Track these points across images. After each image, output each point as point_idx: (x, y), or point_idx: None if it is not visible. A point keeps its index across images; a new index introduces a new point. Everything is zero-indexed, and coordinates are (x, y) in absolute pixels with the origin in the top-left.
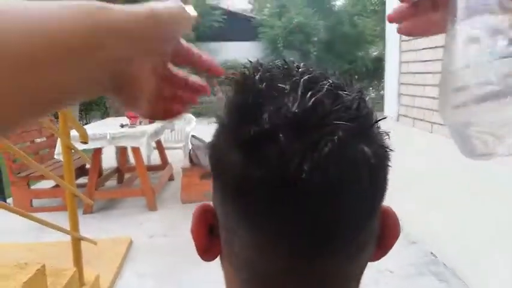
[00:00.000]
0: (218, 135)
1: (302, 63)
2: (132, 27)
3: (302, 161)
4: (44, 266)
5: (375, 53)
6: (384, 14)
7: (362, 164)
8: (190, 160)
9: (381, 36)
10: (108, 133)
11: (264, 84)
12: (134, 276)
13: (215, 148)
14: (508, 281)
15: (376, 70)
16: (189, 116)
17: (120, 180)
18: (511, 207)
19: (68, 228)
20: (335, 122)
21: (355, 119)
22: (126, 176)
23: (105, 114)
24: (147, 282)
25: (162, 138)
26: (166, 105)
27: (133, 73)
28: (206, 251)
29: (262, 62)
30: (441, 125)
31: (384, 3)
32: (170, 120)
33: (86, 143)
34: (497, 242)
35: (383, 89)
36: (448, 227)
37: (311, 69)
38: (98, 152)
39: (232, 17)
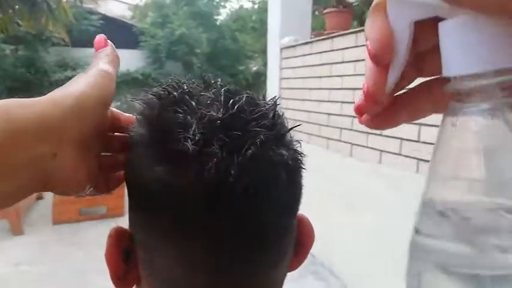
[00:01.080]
0: (136, 152)
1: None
2: (54, 121)
3: (229, 165)
4: None
5: (254, 68)
6: (262, 32)
7: (281, 166)
8: None
9: (260, 52)
10: None
11: (186, 96)
12: None
13: (133, 165)
14: (381, 279)
15: (255, 84)
16: None
17: None
18: (382, 216)
19: None
20: (256, 128)
21: (273, 125)
22: None
23: None
24: None
25: None
26: (108, 175)
27: (61, 166)
28: (121, 279)
29: (177, 78)
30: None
31: (263, 22)
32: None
33: None
34: (370, 244)
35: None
36: (327, 231)
37: (225, 84)
38: None
39: (111, 23)
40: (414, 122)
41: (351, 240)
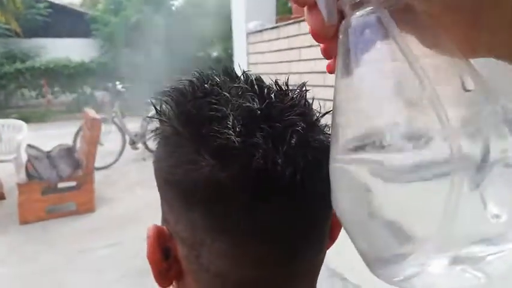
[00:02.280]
0: (174, 148)
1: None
2: None
3: (275, 155)
4: None
5: (214, 54)
6: (221, 17)
7: (322, 151)
8: (27, 174)
9: (219, 38)
10: None
11: (217, 88)
12: None
13: (172, 162)
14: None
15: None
16: (18, 122)
17: None
18: None
19: None
20: (293, 116)
21: (306, 112)
22: None
23: None
24: None
25: None
26: None
27: None
28: (163, 277)
29: (199, 73)
30: None
31: (221, 7)
32: None
33: None
34: None
35: None
36: None
37: (246, 72)
38: None
39: (60, 11)
40: None
41: None
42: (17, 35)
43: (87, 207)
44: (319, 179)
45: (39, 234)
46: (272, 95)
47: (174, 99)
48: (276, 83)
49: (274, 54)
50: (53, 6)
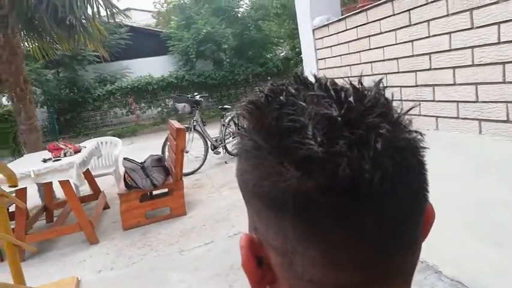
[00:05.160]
0: (257, 159)
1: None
2: None
3: (361, 162)
4: None
5: (282, 54)
6: (284, 17)
7: (409, 150)
8: (126, 184)
9: (285, 38)
10: (32, 170)
11: (292, 98)
12: None
13: (257, 176)
14: (448, 245)
15: (286, 69)
16: (114, 139)
17: (50, 219)
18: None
19: (8, 281)
20: (375, 118)
21: (387, 111)
22: (56, 213)
23: (15, 152)
24: None
25: (89, 166)
26: None
27: None
28: (259, 284)
29: (272, 84)
30: None
31: (284, 7)
32: None
33: (15, 186)
34: (438, 213)
35: None
36: None
37: (319, 77)
38: (22, 193)
39: (139, 33)
40: (471, 82)
41: None
42: (105, 59)
43: (179, 211)
44: (409, 179)
45: (141, 237)
46: (350, 98)
47: (251, 112)
48: (351, 83)
49: (343, 46)
50: (132, 29)
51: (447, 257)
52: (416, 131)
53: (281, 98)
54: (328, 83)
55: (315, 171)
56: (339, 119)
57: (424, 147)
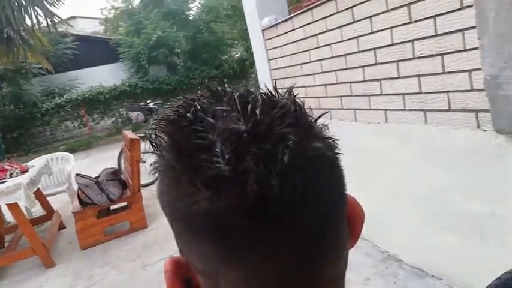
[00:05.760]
0: (171, 180)
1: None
2: None
3: (268, 177)
4: None
5: (237, 55)
6: (236, 18)
7: (320, 159)
8: (80, 201)
9: (239, 39)
10: None
11: (200, 113)
12: None
13: (172, 197)
14: (407, 234)
15: (242, 71)
16: (65, 154)
17: (1, 245)
18: (397, 172)
19: None
20: (283, 128)
21: (298, 119)
22: (7, 237)
23: None
24: None
25: (40, 185)
26: None
27: None
28: None
29: (183, 99)
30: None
31: (235, 8)
32: None
33: None
34: (394, 204)
35: (252, 87)
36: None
37: (234, 88)
38: None
39: (86, 42)
40: (414, 74)
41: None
42: (49, 72)
43: (140, 224)
44: (322, 187)
45: (101, 256)
46: (257, 110)
47: (164, 130)
48: (262, 93)
49: (292, 45)
50: (79, 38)
51: (407, 246)
52: (329, 138)
53: (188, 114)
54: (237, 95)
55: (224, 191)
56: (246, 134)
57: (338, 153)
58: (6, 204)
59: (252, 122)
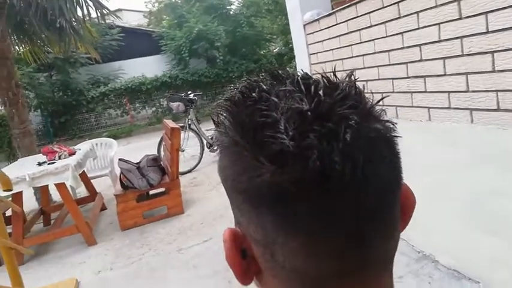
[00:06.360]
0: (235, 155)
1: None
2: None
3: (331, 154)
4: None
5: (275, 50)
6: (276, 13)
7: (380, 140)
8: (122, 185)
9: (278, 33)
10: (27, 174)
11: (265, 94)
12: None
13: (236, 171)
14: (445, 235)
15: (280, 65)
16: (109, 140)
17: (47, 222)
18: (439, 172)
19: (6, 284)
20: (345, 109)
21: (359, 102)
22: (53, 215)
23: (10, 156)
24: None
25: (85, 168)
26: None
27: None
28: (245, 276)
29: (246, 81)
30: None
31: (276, 3)
32: None
33: (10, 190)
34: (433, 204)
35: None
36: None
37: (292, 72)
38: (18, 196)
39: (131, 34)
40: (462, 72)
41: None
42: (97, 61)
43: (177, 210)
44: (381, 167)
45: (139, 237)
46: (320, 92)
47: (228, 109)
48: (324, 76)
49: (334, 40)
50: (124, 30)
51: (444, 247)
52: (388, 121)
53: (254, 94)
54: (299, 78)
55: (288, 165)
56: (309, 113)
57: (396, 136)
58: (54, 184)
59: (315, 102)
